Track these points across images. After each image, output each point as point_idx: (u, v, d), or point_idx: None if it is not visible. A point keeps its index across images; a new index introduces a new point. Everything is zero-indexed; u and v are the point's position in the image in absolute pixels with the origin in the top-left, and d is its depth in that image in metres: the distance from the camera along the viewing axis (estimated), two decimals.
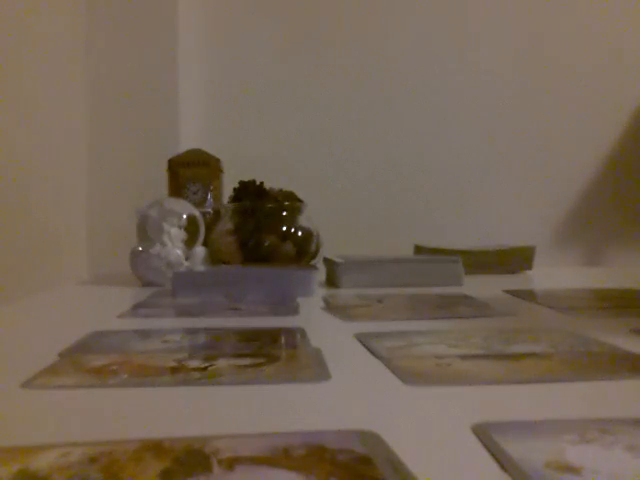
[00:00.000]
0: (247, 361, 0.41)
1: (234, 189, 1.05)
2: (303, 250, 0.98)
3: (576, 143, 1.70)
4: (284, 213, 0.99)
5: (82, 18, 1.42)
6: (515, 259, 1.10)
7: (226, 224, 1.00)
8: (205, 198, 1.13)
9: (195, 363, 0.41)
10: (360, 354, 0.44)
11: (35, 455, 0.25)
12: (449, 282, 0.87)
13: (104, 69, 1.44)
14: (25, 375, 0.37)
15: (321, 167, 1.65)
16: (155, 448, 0.25)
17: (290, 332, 0.53)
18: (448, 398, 0.34)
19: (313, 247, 1.00)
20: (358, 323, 0.58)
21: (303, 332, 0.52)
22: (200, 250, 0.95)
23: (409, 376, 0.37)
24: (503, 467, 0.24)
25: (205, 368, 0.39)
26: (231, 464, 0.23)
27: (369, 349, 0.45)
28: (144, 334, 0.53)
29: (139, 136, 1.43)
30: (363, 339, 0.48)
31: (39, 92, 1.21)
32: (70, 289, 0.94)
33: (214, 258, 0.98)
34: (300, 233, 0.99)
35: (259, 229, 0.97)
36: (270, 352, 0.45)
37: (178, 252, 0.89)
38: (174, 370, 0.39)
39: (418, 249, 1.15)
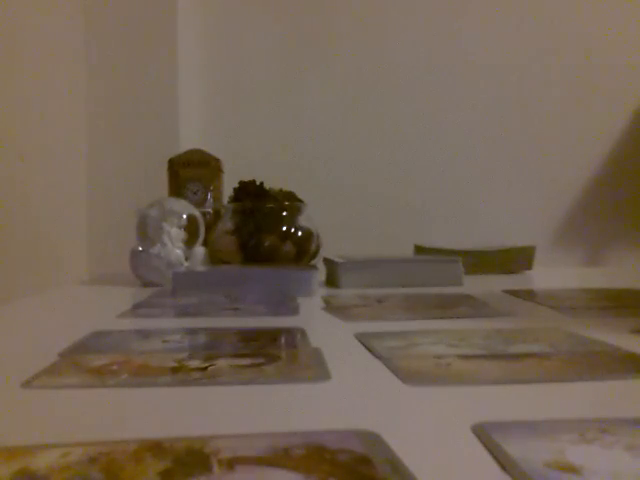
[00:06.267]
0: (247, 361, 0.41)
1: (234, 189, 1.05)
2: (303, 250, 0.98)
3: (576, 143, 1.70)
4: (284, 213, 0.99)
5: (81, 18, 1.42)
6: (515, 259, 1.10)
7: (226, 224, 1.00)
8: (205, 198, 1.12)
9: (195, 363, 0.40)
10: (360, 354, 0.44)
11: (35, 455, 0.25)
12: (449, 282, 0.87)
13: (104, 69, 1.44)
14: (25, 375, 0.37)
15: (321, 167, 1.65)
16: (155, 448, 0.25)
17: (290, 332, 0.53)
18: (448, 398, 0.34)
19: (313, 247, 1.00)
20: (358, 323, 0.57)
21: (303, 332, 0.52)
22: (200, 250, 0.95)
23: (409, 376, 0.37)
24: (503, 467, 0.24)
25: (205, 368, 0.39)
26: (231, 464, 0.23)
27: (369, 349, 0.45)
28: (144, 334, 0.53)
29: (139, 136, 1.43)
30: (363, 339, 0.48)
31: (39, 91, 1.21)
32: (70, 289, 0.94)
33: (214, 258, 0.98)
34: (300, 233, 0.99)
35: (259, 229, 0.97)
36: (270, 352, 0.45)
37: (178, 252, 0.89)
38: (174, 370, 0.39)
39: (418, 249, 1.15)
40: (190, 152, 1.18)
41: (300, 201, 1.03)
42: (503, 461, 0.24)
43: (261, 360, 0.41)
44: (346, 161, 1.66)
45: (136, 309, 0.68)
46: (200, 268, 0.91)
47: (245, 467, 0.23)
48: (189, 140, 1.44)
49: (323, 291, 0.82)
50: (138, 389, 0.36)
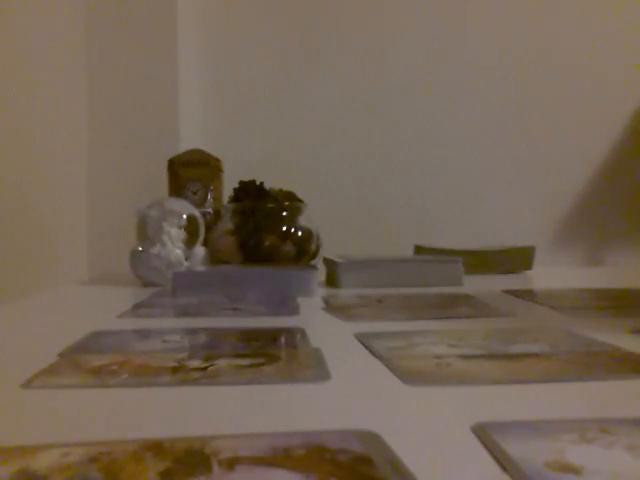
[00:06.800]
0: (247, 361, 0.41)
1: (234, 189, 1.05)
2: (303, 250, 0.98)
3: (576, 143, 1.70)
4: (284, 213, 0.99)
5: (82, 18, 1.42)
6: (515, 259, 1.10)
7: (226, 224, 1.00)
8: (205, 198, 1.12)
9: (195, 363, 0.40)
10: (360, 354, 0.44)
11: (35, 455, 0.25)
12: (449, 282, 0.87)
13: (104, 69, 1.44)
14: (25, 375, 0.37)
15: (321, 167, 1.65)
16: (155, 448, 0.25)
17: (290, 332, 0.53)
18: (448, 398, 0.34)
19: (313, 247, 1.00)
20: (358, 323, 0.57)
21: (303, 332, 0.52)
22: (200, 250, 0.95)
23: (409, 376, 0.37)
24: (503, 467, 0.24)
25: (205, 368, 0.39)
26: (231, 464, 0.23)
27: (369, 349, 0.45)
28: (144, 334, 0.53)
29: (139, 136, 1.43)
30: (363, 339, 0.48)
31: (39, 91, 1.21)
32: (70, 289, 0.94)
33: (214, 258, 0.98)
34: (300, 233, 0.99)
35: (259, 229, 0.97)
36: (270, 352, 0.45)
37: (178, 252, 0.89)
38: (174, 370, 0.39)
39: (418, 249, 1.15)
40: (190, 152, 1.18)
41: (300, 201, 1.03)
42: (503, 461, 0.24)
43: (261, 360, 0.41)
44: (346, 161, 1.66)
45: (136, 309, 0.68)
46: (200, 268, 0.91)
47: (245, 467, 0.23)
48: (189, 140, 1.44)
49: (323, 291, 0.82)
50: (138, 389, 0.36)
